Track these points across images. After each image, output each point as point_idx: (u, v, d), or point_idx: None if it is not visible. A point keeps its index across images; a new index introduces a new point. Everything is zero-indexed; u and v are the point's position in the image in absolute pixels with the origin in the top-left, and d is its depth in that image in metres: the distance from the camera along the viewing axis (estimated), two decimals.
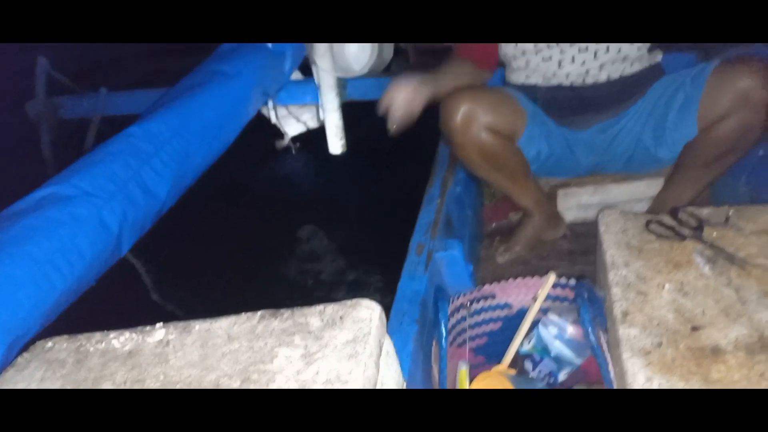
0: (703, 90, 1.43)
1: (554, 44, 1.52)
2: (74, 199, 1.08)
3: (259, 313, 0.75)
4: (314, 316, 0.72)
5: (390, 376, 0.72)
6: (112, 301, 1.40)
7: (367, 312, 0.70)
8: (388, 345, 0.73)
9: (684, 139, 1.51)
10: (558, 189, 1.88)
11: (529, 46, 1.55)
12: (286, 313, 0.74)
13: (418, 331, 1.11)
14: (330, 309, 0.72)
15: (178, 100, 1.49)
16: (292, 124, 2.61)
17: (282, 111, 2.54)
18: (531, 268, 1.73)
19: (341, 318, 0.71)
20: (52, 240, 0.99)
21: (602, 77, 1.53)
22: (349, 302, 0.72)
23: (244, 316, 0.76)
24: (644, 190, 1.81)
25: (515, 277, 1.20)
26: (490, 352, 1.18)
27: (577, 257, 1.74)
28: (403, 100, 1.49)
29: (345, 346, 0.66)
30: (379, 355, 0.68)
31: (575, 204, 1.89)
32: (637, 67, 1.54)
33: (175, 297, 1.62)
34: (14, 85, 2.97)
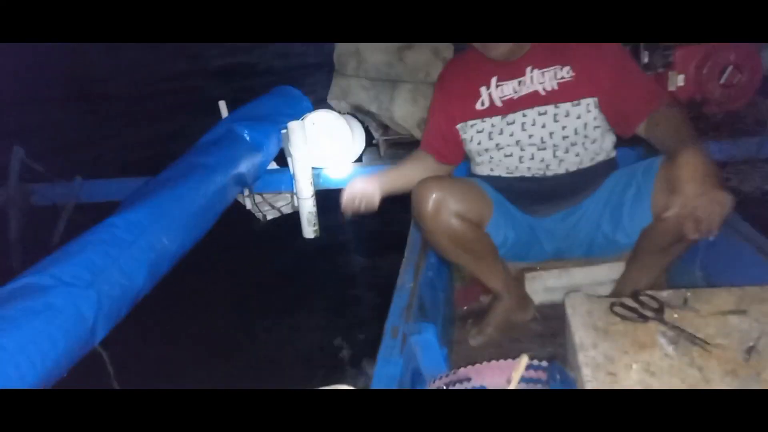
0: (653, 183, 1.54)
1: (515, 143, 1.63)
2: (50, 289, 1.08)
3: None
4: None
5: None
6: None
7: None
8: None
9: (639, 225, 1.60)
10: (525, 272, 1.94)
11: (491, 144, 1.66)
12: None
13: None
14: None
15: (158, 191, 1.53)
16: (268, 210, 2.66)
17: (258, 198, 2.60)
18: (503, 350, 1.75)
19: None
20: (25, 330, 0.99)
21: (561, 170, 1.64)
22: (328, 389, 0.74)
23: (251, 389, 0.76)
24: (606, 273, 1.87)
25: (489, 360, 1.23)
26: None
27: (547, 339, 1.77)
28: (358, 192, 1.68)
29: None
30: None
31: (542, 287, 1.94)
32: (593, 161, 1.65)
33: (147, 384, 1.58)
34: None
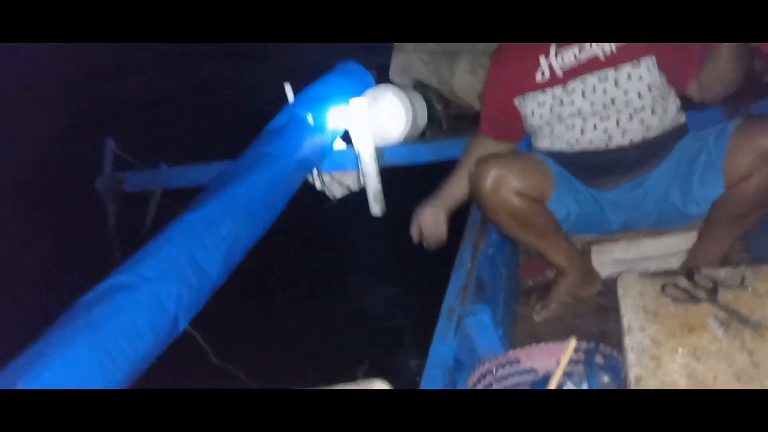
0: (725, 149, 1.47)
1: (576, 113, 1.60)
2: (136, 287, 1.23)
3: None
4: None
5: None
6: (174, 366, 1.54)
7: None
8: None
9: (711, 196, 1.54)
10: (591, 245, 1.92)
11: (553, 117, 1.63)
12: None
13: None
14: (349, 387, 0.82)
15: (228, 184, 1.66)
16: (336, 187, 2.77)
17: (326, 177, 2.71)
18: (567, 325, 1.76)
19: None
20: (116, 326, 1.14)
21: (625, 141, 1.59)
22: (364, 381, 0.82)
23: (281, 389, 0.86)
24: (678, 243, 1.82)
25: (550, 336, 1.27)
26: None
27: (612, 313, 1.74)
28: (428, 228, 1.73)
29: None
30: None
31: (609, 260, 1.92)
32: (659, 129, 1.60)
33: (230, 362, 1.75)
34: (85, 162, 3.29)
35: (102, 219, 3.04)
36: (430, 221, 1.72)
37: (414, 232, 1.74)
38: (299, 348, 1.78)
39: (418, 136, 2.59)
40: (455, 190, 1.77)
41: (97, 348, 1.09)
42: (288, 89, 2.61)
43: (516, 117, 1.72)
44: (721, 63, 1.41)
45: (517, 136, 1.80)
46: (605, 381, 1.09)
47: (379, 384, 0.81)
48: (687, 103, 1.64)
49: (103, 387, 1.09)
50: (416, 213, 1.75)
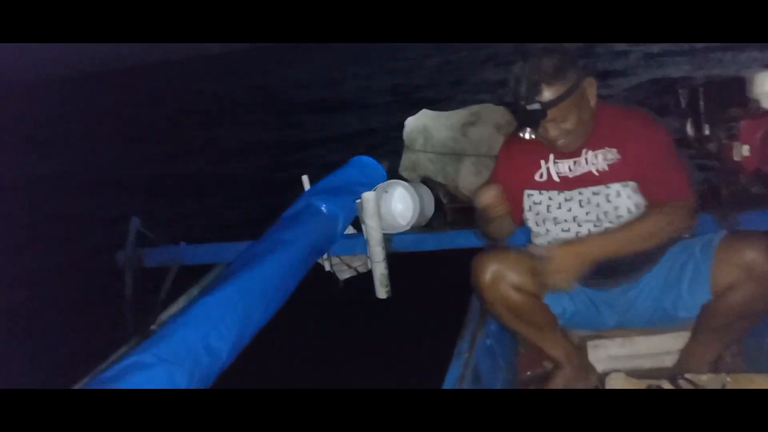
0: (711, 261, 1.58)
1: (572, 219, 1.71)
2: (152, 367, 1.32)
3: None
4: None
5: None
6: None
7: None
8: None
9: (699, 301, 1.63)
10: (587, 341, 1.99)
11: (549, 217, 1.75)
12: None
13: None
14: None
15: (244, 270, 1.77)
16: (345, 270, 2.88)
17: (335, 260, 2.82)
18: None
19: None
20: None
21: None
22: None
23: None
24: (671, 342, 1.89)
25: None
26: None
27: None
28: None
29: None
30: None
31: (605, 356, 1.98)
32: None
33: None
34: (104, 233, 3.44)
35: (120, 291, 3.14)
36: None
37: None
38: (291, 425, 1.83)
39: (425, 226, 2.72)
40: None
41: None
42: (305, 180, 2.77)
43: (517, 204, 1.81)
44: None
45: (517, 220, 1.87)
46: None
47: None
48: None
49: None
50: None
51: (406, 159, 2.70)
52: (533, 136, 1.61)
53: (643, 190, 1.65)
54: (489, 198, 1.70)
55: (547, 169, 1.75)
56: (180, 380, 1.37)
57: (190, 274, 2.93)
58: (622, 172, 1.65)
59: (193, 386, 1.41)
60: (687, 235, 1.71)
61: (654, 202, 1.63)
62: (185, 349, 1.41)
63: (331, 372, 2.21)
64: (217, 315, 1.58)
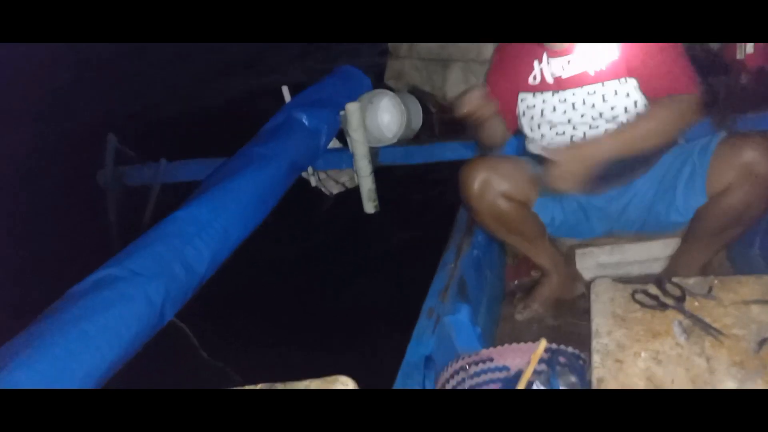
0: (709, 162, 1.51)
1: (566, 122, 1.63)
2: (124, 280, 1.28)
3: (259, 386, 0.90)
4: (301, 388, 0.86)
5: None
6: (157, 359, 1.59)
7: (342, 387, 0.84)
8: None
9: (694, 205, 1.57)
10: (576, 249, 1.96)
11: (543, 121, 1.67)
12: (279, 385, 0.88)
13: None
14: (314, 383, 0.86)
15: (220, 185, 1.70)
16: (332, 185, 2.82)
17: (322, 175, 2.76)
18: (547, 325, 1.81)
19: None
20: (104, 317, 1.19)
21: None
22: (330, 378, 0.86)
23: (247, 388, 0.90)
24: (661, 250, 1.86)
25: (531, 335, 1.31)
26: None
27: None
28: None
29: None
30: None
31: (593, 264, 1.95)
32: None
33: (217, 357, 1.81)
34: (86, 155, 3.35)
35: (103, 212, 3.09)
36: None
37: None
38: (285, 342, 1.83)
39: (412, 139, 2.63)
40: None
41: (84, 339, 1.14)
42: (285, 91, 2.65)
43: (511, 110, 1.73)
44: None
45: (511, 128, 1.79)
46: (572, 381, 1.12)
47: (343, 381, 0.85)
48: None
49: (88, 377, 1.13)
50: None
51: (391, 67, 2.57)
52: None
53: (645, 86, 1.55)
54: (472, 102, 1.59)
55: (541, 70, 1.66)
56: (155, 295, 1.33)
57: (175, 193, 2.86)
58: (619, 69, 1.56)
59: (169, 302, 1.38)
60: (682, 141, 1.64)
61: (655, 95, 1.54)
62: (160, 264, 1.37)
63: (318, 287, 2.20)
64: (192, 230, 1.52)
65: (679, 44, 1.57)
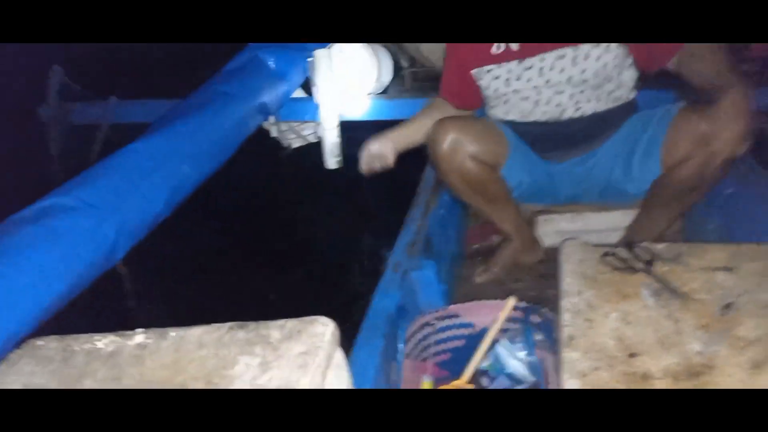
0: (666, 132, 1.52)
1: (531, 88, 1.61)
2: (76, 210, 1.18)
3: (228, 324, 0.85)
4: (275, 329, 0.81)
5: (338, 386, 0.81)
6: (96, 306, 1.50)
7: (322, 328, 0.80)
8: (339, 358, 0.82)
9: (649, 176, 1.59)
10: (538, 215, 1.97)
11: (508, 90, 1.65)
12: (251, 325, 0.83)
13: (385, 345, 1.20)
14: (290, 324, 0.82)
15: (180, 119, 1.60)
16: (293, 137, 2.72)
17: (283, 126, 2.65)
18: (506, 289, 1.82)
19: (299, 332, 0.80)
20: (54, 247, 1.10)
21: (577, 114, 1.62)
22: (307, 318, 0.82)
23: (215, 326, 0.85)
24: (620, 219, 1.89)
25: (489, 298, 1.30)
26: (454, 368, 1.27)
27: (551, 281, 1.79)
28: (373, 154, 1.75)
29: (297, 357, 0.75)
30: (328, 366, 0.77)
31: (554, 230, 1.97)
32: (611, 104, 1.63)
33: (157, 304, 1.73)
34: (28, 89, 3.11)
35: (45, 149, 2.90)
36: (378, 148, 1.74)
37: (363, 160, 1.77)
38: (241, 291, 1.77)
39: (381, 92, 2.56)
40: (407, 132, 1.79)
41: (31, 267, 1.05)
42: None
43: (474, 87, 1.73)
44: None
45: (474, 105, 1.81)
46: (539, 338, 1.12)
47: (323, 321, 0.80)
48: (642, 81, 1.67)
49: (32, 310, 1.05)
50: (365, 143, 1.77)
51: None
52: None
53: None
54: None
55: None
56: (108, 229, 1.24)
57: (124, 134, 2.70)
58: None
59: (123, 237, 1.29)
60: (629, 100, 1.65)
61: (647, 51, 1.55)
62: (114, 196, 1.27)
63: (277, 236, 2.13)
64: (150, 164, 1.42)
65: None
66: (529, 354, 1.10)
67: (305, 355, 0.75)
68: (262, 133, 2.56)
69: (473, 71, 1.68)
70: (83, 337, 0.86)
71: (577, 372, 0.96)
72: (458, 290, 1.83)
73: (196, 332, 0.84)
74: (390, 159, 1.75)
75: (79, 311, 1.19)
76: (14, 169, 2.77)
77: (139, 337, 0.85)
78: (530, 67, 1.60)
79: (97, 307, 1.39)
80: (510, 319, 1.24)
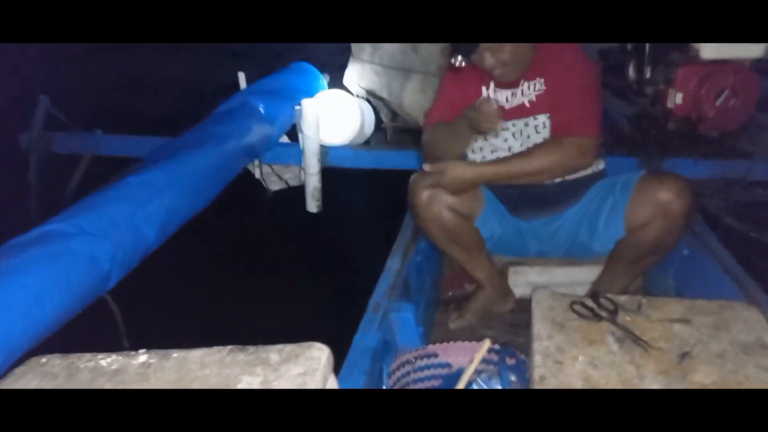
0: (628, 198, 1.66)
1: (507, 149, 1.74)
2: (71, 237, 1.22)
3: (229, 347, 0.90)
4: (274, 352, 0.87)
5: None
6: (90, 331, 1.51)
7: (318, 353, 0.85)
8: (332, 381, 0.88)
9: (613, 237, 1.72)
10: (509, 266, 2.07)
11: (486, 144, 1.77)
12: (251, 348, 0.89)
13: (365, 381, 1.25)
14: (288, 348, 0.87)
15: (173, 156, 1.66)
16: (275, 181, 2.79)
17: (266, 169, 2.73)
18: (478, 336, 1.87)
19: (296, 356, 0.85)
20: (48, 271, 1.13)
21: (548, 180, 1.74)
22: (304, 344, 0.88)
23: (215, 348, 0.90)
24: (585, 274, 1.99)
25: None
26: None
27: (521, 329, 1.90)
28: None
29: (297, 378, 0.80)
30: (324, 387, 0.83)
31: (524, 282, 2.06)
32: (578, 174, 1.75)
33: (149, 334, 1.73)
34: (10, 115, 3.12)
35: (23, 177, 2.90)
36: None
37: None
38: (222, 333, 1.80)
39: (363, 143, 2.67)
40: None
41: (26, 291, 1.08)
42: (241, 77, 2.62)
43: None
44: None
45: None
46: (512, 379, 1.19)
47: (319, 347, 0.86)
48: (606, 149, 1.82)
49: (26, 332, 1.07)
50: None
51: (352, 68, 2.60)
52: (464, 64, 1.60)
53: (552, 120, 1.68)
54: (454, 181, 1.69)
55: (488, 95, 1.75)
56: (102, 256, 1.28)
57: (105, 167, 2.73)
58: (545, 103, 1.69)
59: (116, 265, 1.33)
60: (596, 171, 1.77)
61: (557, 133, 1.66)
62: (109, 224, 1.32)
63: (257, 278, 2.17)
64: (144, 196, 1.48)
65: (599, 89, 1.71)
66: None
67: (304, 376, 0.80)
68: (245, 175, 2.63)
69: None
70: (86, 355, 0.90)
71: None
72: (433, 335, 1.89)
73: (197, 354, 0.89)
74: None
75: (68, 337, 1.21)
76: None
77: (143, 356, 0.89)
78: (506, 129, 1.73)
79: (89, 331, 1.40)
80: (484, 361, 1.31)
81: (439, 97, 1.88)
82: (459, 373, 1.31)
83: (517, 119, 1.71)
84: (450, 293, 2.14)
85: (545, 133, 1.68)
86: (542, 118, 1.68)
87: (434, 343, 1.72)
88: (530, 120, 1.70)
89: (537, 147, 1.65)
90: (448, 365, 1.34)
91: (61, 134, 2.95)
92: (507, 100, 1.72)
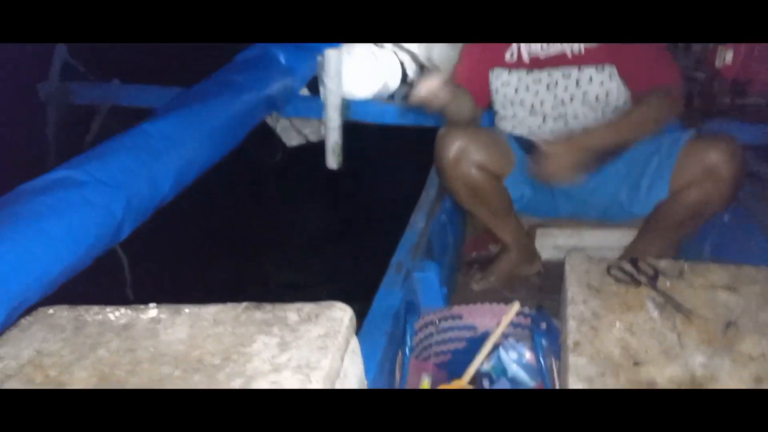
0: (676, 159, 1.55)
1: (539, 103, 1.65)
2: (86, 184, 1.17)
3: (244, 304, 0.84)
4: (293, 311, 0.81)
5: (353, 372, 0.81)
6: (100, 284, 1.48)
7: (340, 313, 0.80)
8: (354, 344, 0.82)
9: (655, 199, 1.62)
10: (537, 228, 1.99)
11: (517, 99, 1.68)
12: (268, 306, 0.83)
13: (387, 342, 1.20)
14: (308, 307, 0.82)
15: (190, 105, 1.59)
16: (294, 135, 2.72)
17: (285, 122, 2.65)
18: (502, 299, 1.80)
19: (317, 316, 0.80)
20: (64, 219, 1.09)
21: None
22: (325, 303, 0.82)
23: (230, 305, 0.85)
24: (617, 239, 1.91)
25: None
26: (453, 369, 1.27)
27: (546, 294, 1.83)
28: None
29: (317, 339, 0.75)
30: (345, 350, 0.77)
31: (552, 244, 1.99)
32: None
33: (158, 288, 1.70)
34: (29, 66, 3.07)
35: (41, 128, 2.87)
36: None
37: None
38: (239, 288, 1.76)
39: (387, 97, 2.57)
40: (465, 95, 1.69)
41: (40, 237, 1.04)
42: None
43: (484, 86, 1.74)
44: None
45: (482, 103, 1.81)
46: (543, 344, 1.12)
47: (341, 307, 0.80)
48: None
49: (39, 280, 1.03)
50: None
51: None
52: None
53: (626, 75, 1.58)
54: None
55: (518, 47, 1.67)
56: (115, 206, 1.23)
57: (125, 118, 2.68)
58: (598, 56, 1.58)
59: (130, 215, 1.28)
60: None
61: (637, 87, 1.57)
62: (124, 174, 1.26)
63: (275, 234, 2.12)
64: (160, 145, 1.42)
65: None
66: (539, 358, 1.10)
67: (325, 338, 0.75)
68: (264, 128, 2.56)
69: (489, 71, 1.70)
70: (94, 308, 0.85)
71: (584, 377, 0.97)
72: (455, 297, 1.83)
73: (211, 310, 0.84)
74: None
75: (81, 286, 1.18)
76: (8, 144, 2.73)
77: (153, 311, 0.84)
78: (539, 81, 1.64)
79: (97, 283, 1.36)
80: (512, 324, 1.25)
81: (462, 59, 1.81)
82: (484, 336, 1.26)
83: (553, 69, 1.61)
84: (473, 254, 2.08)
85: (588, 88, 1.59)
86: (590, 72, 1.59)
87: (457, 305, 1.68)
88: (572, 72, 1.60)
89: (642, 101, 1.55)
90: (473, 327, 1.28)
91: (79, 84, 2.90)
92: (542, 49, 1.63)
